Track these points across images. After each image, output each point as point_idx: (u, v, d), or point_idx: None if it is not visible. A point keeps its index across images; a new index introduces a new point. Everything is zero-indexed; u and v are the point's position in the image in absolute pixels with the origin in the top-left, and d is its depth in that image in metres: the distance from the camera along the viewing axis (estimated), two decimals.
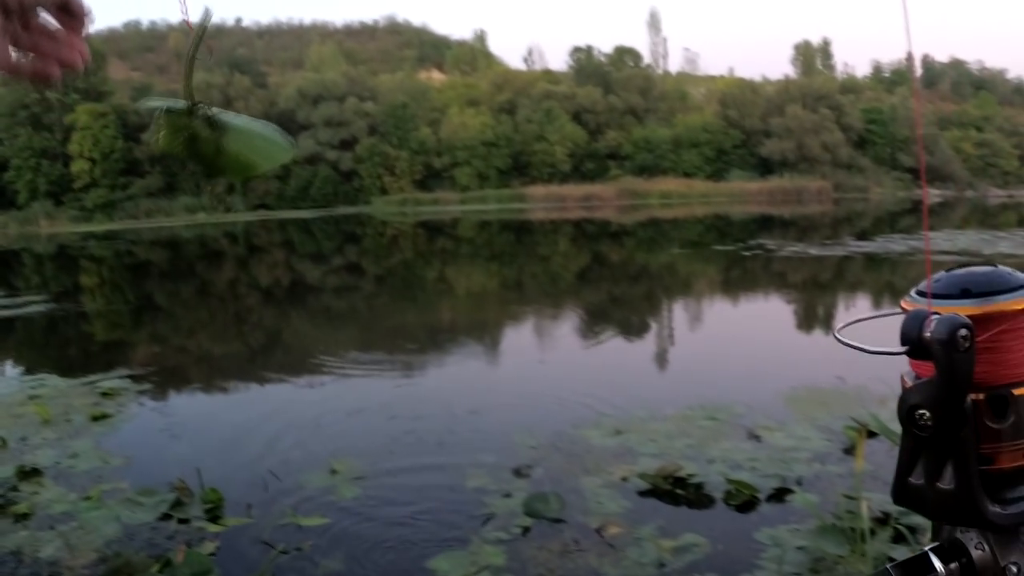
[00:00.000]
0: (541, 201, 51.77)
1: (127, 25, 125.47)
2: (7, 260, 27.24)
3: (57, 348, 10.97)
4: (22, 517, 4.47)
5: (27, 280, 20.73)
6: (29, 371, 8.84)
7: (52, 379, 8.05)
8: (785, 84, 69.55)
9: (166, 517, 4.43)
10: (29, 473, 5.17)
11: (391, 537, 4.16)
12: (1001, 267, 0.68)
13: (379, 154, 55.78)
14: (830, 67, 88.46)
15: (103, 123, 50.43)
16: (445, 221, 39.18)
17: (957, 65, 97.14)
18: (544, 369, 8.37)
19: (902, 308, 0.68)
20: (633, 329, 10.79)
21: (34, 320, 12.70)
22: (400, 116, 57.46)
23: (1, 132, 51.27)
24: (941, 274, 0.68)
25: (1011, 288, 0.65)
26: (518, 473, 4.88)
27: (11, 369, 9.37)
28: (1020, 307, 0.65)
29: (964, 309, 0.64)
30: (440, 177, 57.79)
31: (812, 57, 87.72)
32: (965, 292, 0.66)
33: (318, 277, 19.40)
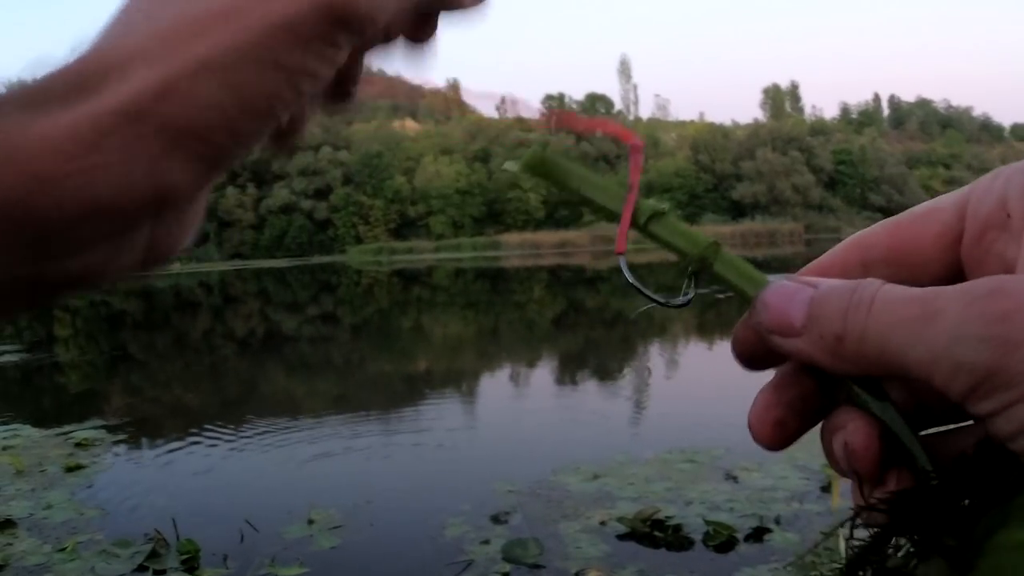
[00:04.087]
0: (516, 248, 51.96)
1: None
2: None
3: (30, 398, 10.87)
4: None
5: (0, 331, 20.56)
6: (1, 422, 8.75)
7: (25, 429, 7.98)
8: (755, 128, 70.36)
9: (142, 568, 4.39)
10: (3, 524, 5.12)
11: None
12: None
13: (354, 203, 55.91)
14: (799, 110, 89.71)
15: None
16: (420, 269, 39.22)
17: (924, 104, 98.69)
18: (522, 416, 8.37)
19: None
20: (610, 375, 10.80)
21: (6, 370, 12.60)
22: (374, 165, 57.67)
23: None
24: None
25: None
26: (496, 520, 4.87)
27: None
28: None
29: None
30: (415, 225, 57.95)
31: (781, 100, 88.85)
32: None
33: (293, 327, 19.33)
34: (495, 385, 10.80)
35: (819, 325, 0.41)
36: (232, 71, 0.39)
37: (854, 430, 0.43)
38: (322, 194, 55.98)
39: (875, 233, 0.49)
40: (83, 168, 0.36)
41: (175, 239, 0.45)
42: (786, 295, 0.44)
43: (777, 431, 0.47)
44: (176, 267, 47.00)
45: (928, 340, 0.37)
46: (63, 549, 4.66)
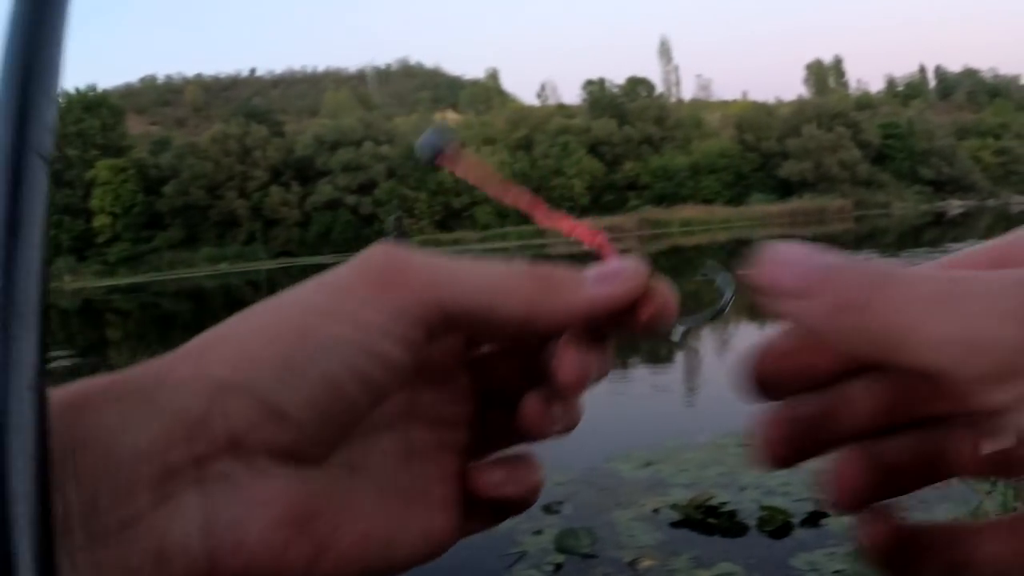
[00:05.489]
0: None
1: (144, 80, 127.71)
2: None
3: None
4: None
5: (53, 336, 20.83)
6: None
7: None
8: (800, 104, 69.53)
9: None
10: None
11: None
12: None
13: (398, 197, 56.06)
14: (843, 84, 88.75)
15: (123, 177, 51.02)
16: None
17: (971, 74, 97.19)
18: None
19: None
20: (660, 359, 10.72)
21: (59, 375, 12.68)
22: (417, 158, 57.87)
23: None
24: None
25: None
26: (548, 509, 4.82)
27: None
28: None
29: None
30: (460, 216, 57.98)
31: (825, 75, 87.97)
32: None
33: None
34: None
35: (831, 290, 0.34)
36: None
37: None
38: (366, 189, 56.16)
39: (972, 253, 0.42)
40: None
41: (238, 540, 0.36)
42: (801, 254, 0.37)
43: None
44: (223, 266, 47.45)
45: (943, 317, 0.30)
46: None
